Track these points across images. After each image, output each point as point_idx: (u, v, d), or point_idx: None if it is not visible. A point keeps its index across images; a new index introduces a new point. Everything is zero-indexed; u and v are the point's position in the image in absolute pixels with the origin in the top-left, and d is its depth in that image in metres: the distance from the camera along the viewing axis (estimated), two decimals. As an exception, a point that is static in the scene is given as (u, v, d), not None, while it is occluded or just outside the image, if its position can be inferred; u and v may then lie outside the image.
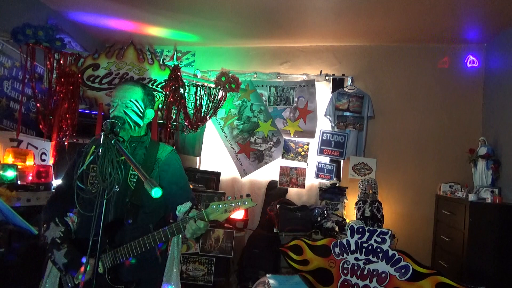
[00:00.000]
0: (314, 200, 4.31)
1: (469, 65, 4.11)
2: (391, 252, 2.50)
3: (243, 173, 4.44)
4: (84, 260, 1.53)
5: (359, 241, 2.60)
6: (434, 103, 4.22)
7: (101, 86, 3.53)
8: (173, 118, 3.70)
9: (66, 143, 3.42)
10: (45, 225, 1.66)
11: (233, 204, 1.48)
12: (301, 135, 4.39)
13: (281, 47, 4.65)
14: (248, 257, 3.76)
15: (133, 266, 1.61)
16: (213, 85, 3.93)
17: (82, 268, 1.39)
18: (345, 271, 2.61)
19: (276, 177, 4.38)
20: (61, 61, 3.41)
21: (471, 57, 4.10)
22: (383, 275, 2.49)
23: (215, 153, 4.63)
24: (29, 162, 3.06)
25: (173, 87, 3.58)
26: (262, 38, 4.51)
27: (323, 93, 4.47)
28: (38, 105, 3.39)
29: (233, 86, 3.93)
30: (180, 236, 1.65)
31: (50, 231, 1.63)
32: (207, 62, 4.75)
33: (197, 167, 4.61)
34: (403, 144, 4.26)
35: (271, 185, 4.43)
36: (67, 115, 3.36)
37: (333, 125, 4.35)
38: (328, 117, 4.37)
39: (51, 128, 3.32)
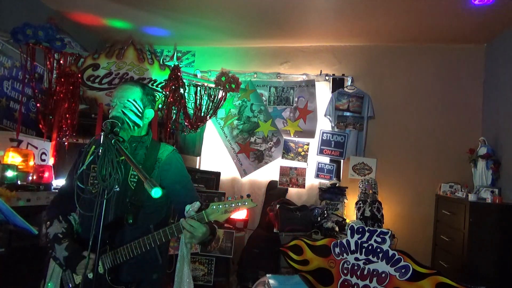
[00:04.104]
0: (314, 200, 4.30)
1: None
2: (391, 252, 2.49)
3: (243, 173, 4.44)
4: (85, 253, 1.53)
5: (359, 241, 2.59)
6: (434, 103, 4.22)
7: (101, 86, 3.53)
8: (173, 118, 3.70)
9: (66, 143, 3.41)
10: (48, 223, 1.67)
11: (233, 205, 1.48)
12: (301, 135, 4.39)
13: (281, 47, 4.65)
14: (248, 257, 3.77)
15: (134, 266, 1.61)
16: (213, 85, 3.93)
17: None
18: (345, 271, 2.60)
19: (276, 177, 4.37)
20: (61, 61, 3.42)
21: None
22: (383, 275, 2.48)
23: (215, 153, 4.63)
24: (29, 162, 3.06)
25: (173, 87, 3.58)
26: (262, 38, 4.51)
27: (323, 93, 4.47)
28: (38, 105, 3.39)
29: (233, 86, 3.93)
30: None
31: (53, 228, 1.65)
32: (207, 62, 4.75)
33: (197, 167, 4.61)
34: (403, 144, 4.25)
35: (271, 185, 4.43)
36: (67, 115, 3.36)
37: (333, 125, 4.34)
38: (328, 117, 4.37)
39: (51, 128, 3.32)
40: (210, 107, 3.93)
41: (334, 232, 3.46)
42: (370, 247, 2.56)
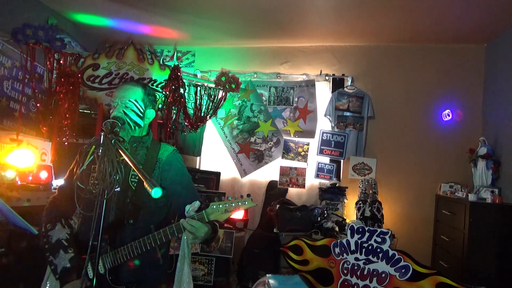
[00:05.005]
0: (314, 200, 4.30)
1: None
2: (391, 252, 2.49)
3: (243, 173, 4.44)
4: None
5: (359, 241, 2.59)
6: (434, 103, 4.22)
7: (101, 86, 3.53)
8: (173, 118, 3.70)
9: (66, 143, 3.41)
10: (49, 225, 1.64)
11: (233, 204, 1.48)
12: (301, 135, 4.39)
13: (281, 47, 4.65)
14: (248, 257, 3.76)
15: (134, 266, 1.61)
16: (213, 85, 3.92)
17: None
18: (345, 271, 2.60)
19: (276, 177, 4.37)
20: (61, 61, 3.42)
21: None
22: (383, 275, 2.48)
23: (215, 153, 4.63)
24: (29, 162, 3.06)
25: (173, 87, 3.57)
26: (262, 38, 4.51)
27: (323, 93, 4.47)
28: (38, 105, 3.39)
29: (233, 86, 3.92)
30: None
31: (56, 231, 1.63)
32: (207, 62, 4.75)
33: (197, 167, 4.61)
34: (403, 144, 4.26)
35: (271, 185, 4.43)
36: (67, 115, 3.36)
37: (333, 125, 4.34)
38: (328, 117, 4.37)
39: (51, 128, 3.32)
40: (210, 107, 3.93)
41: (334, 232, 3.46)
42: (370, 247, 2.56)
